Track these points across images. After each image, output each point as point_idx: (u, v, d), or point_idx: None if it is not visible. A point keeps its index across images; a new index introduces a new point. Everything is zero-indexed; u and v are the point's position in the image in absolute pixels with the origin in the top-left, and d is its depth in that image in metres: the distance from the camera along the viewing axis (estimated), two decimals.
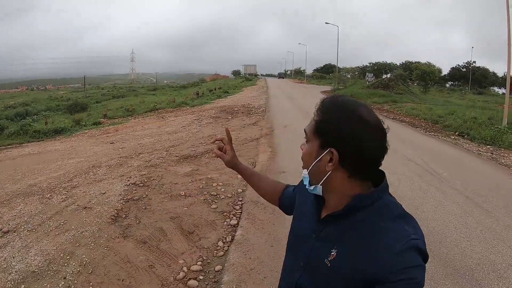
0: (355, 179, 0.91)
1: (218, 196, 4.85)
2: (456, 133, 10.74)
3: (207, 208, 4.45)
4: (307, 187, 0.99)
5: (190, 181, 5.49)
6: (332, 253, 0.92)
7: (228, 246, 3.57)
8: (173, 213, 4.28)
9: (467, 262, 3.35)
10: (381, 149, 0.89)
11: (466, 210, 4.60)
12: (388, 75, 45.81)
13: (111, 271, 3.15)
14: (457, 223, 4.21)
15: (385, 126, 0.91)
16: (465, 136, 10.31)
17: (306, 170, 0.97)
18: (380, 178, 0.94)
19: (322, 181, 0.93)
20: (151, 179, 5.69)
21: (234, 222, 4.09)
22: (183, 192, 4.96)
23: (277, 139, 9.00)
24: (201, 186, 5.21)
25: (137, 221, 4.12)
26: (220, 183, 5.31)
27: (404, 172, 6.14)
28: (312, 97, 24.89)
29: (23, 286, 3.02)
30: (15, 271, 3.21)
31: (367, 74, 41.89)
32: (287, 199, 1.31)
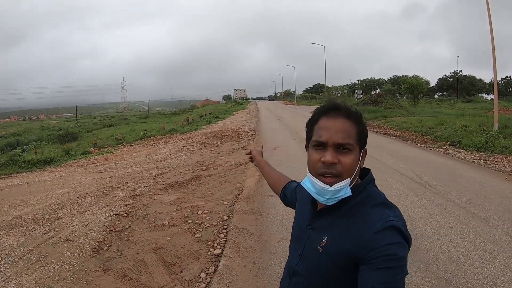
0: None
1: (202, 224, 4.76)
2: (448, 143, 10.77)
3: (191, 238, 4.36)
4: (345, 195, 1.01)
5: (175, 209, 5.41)
6: (324, 239, 1.03)
7: (211, 278, 3.45)
8: (156, 244, 4.19)
9: (467, 278, 3.19)
10: None
11: (462, 222, 4.49)
12: (377, 91, 46.27)
13: None
14: (454, 236, 4.07)
15: None
16: (457, 145, 10.33)
17: (349, 178, 1.01)
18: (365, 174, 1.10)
19: (354, 181, 1.04)
20: (136, 209, 5.60)
21: (218, 251, 3.99)
22: (167, 222, 4.88)
23: None
24: (185, 215, 5.13)
25: (119, 253, 4.03)
26: (206, 211, 5.23)
27: (397, 188, 6.06)
28: (302, 117, 25.08)
29: None
30: None
31: (356, 91, 42.43)
32: (288, 193, 1.48)
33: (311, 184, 1.04)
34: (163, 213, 5.31)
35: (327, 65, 36.96)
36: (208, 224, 4.77)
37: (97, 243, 4.35)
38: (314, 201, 1.11)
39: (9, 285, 3.45)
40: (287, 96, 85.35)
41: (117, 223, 5.02)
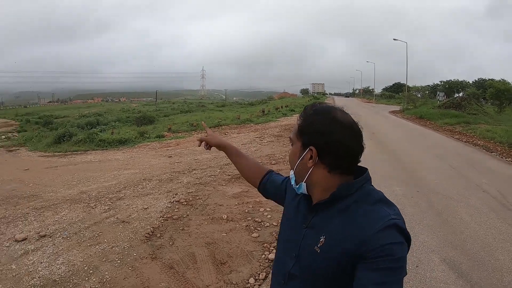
0: (335, 174, 1.05)
1: (262, 223, 4.59)
2: None
3: (247, 236, 4.21)
4: (293, 186, 1.15)
5: (236, 203, 5.32)
6: (321, 239, 1.04)
7: (259, 285, 3.26)
8: (210, 238, 4.13)
9: None
10: (355, 145, 1.04)
11: None
12: (460, 94, 43.51)
13: None
14: None
15: (360, 127, 1.07)
16: None
17: (292, 170, 1.14)
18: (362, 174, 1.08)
19: (305, 178, 1.08)
20: (197, 198, 5.64)
21: (272, 256, 3.76)
22: (226, 216, 4.79)
23: None
24: (246, 210, 5.01)
25: (171, 243, 4.03)
26: (268, 209, 5.04)
27: (477, 206, 5.36)
28: (380, 116, 23.99)
29: None
30: (38, 277, 3.34)
31: (438, 93, 39.74)
32: (272, 186, 1.47)
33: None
34: (223, 205, 5.25)
35: (408, 63, 35.02)
36: (268, 224, 4.57)
37: (151, 228, 4.43)
38: (308, 197, 1.13)
39: (58, 258, 3.66)
40: (366, 93, 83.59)
41: (175, 210, 5.08)
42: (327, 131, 1.02)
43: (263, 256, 3.75)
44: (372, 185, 1.09)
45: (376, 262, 0.91)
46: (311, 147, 1.04)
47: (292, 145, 1.14)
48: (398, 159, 9.10)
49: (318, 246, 1.03)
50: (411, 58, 35.45)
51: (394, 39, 37.03)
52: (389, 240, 0.92)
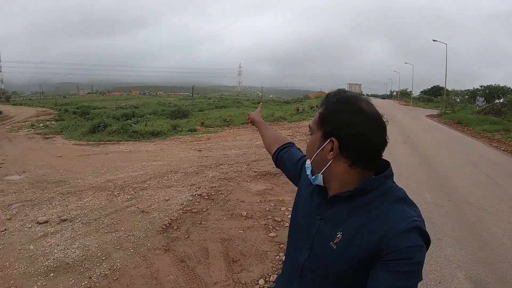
0: (356, 169, 1.00)
1: (282, 223, 4.50)
2: None
3: (264, 235, 4.13)
4: (309, 177, 1.09)
5: (258, 200, 5.27)
6: (338, 235, 1.00)
7: None
8: (226, 234, 4.09)
9: None
10: (380, 140, 0.99)
11: None
12: (501, 100, 41.82)
13: (134, 283, 3.10)
14: None
15: (384, 119, 1.01)
16: None
17: (309, 160, 1.09)
18: (383, 168, 1.04)
19: (323, 170, 1.04)
20: (219, 192, 5.64)
21: None
22: (246, 212, 4.75)
23: None
24: (267, 209, 4.94)
25: (186, 236, 4.04)
26: (290, 208, 4.92)
27: None
28: (416, 119, 23.34)
29: (52, 274, 3.21)
30: (53, 259, 3.47)
31: (478, 98, 37.97)
32: (288, 159, 1.45)
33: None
34: (245, 202, 5.21)
35: (447, 66, 33.85)
36: (287, 224, 4.45)
37: (169, 220, 4.47)
38: (324, 188, 1.09)
39: (75, 243, 3.78)
40: (403, 96, 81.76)
41: (195, 204, 5.11)
42: (352, 123, 0.98)
43: (278, 257, 3.64)
44: (394, 182, 1.04)
45: (396, 264, 0.89)
46: (333, 139, 1.00)
47: (311, 134, 1.10)
48: (432, 164, 8.73)
49: (335, 242, 1.00)
50: (450, 61, 34.16)
51: (434, 40, 35.94)
52: (412, 243, 0.90)
